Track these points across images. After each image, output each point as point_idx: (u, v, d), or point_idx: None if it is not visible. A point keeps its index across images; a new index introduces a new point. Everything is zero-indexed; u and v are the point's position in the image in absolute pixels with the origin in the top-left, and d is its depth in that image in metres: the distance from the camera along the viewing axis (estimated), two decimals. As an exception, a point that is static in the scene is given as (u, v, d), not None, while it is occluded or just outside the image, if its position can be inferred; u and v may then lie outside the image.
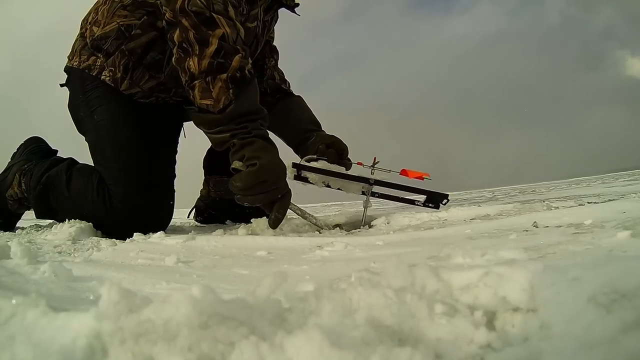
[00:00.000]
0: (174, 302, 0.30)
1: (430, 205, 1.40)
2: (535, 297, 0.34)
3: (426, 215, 1.35)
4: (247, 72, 1.14)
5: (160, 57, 1.32)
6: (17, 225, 1.58)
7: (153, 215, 1.34)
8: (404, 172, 1.38)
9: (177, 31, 1.12)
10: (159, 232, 1.22)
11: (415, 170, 1.38)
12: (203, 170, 1.82)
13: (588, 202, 1.31)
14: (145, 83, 1.36)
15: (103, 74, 1.35)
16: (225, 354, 0.29)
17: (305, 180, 1.40)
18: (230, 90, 1.11)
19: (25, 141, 1.61)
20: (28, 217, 1.59)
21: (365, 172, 1.39)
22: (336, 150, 1.48)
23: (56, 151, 1.60)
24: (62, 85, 1.49)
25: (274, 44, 1.71)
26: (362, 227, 1.35)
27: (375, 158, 1.39)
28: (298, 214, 1.34)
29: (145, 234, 1.23)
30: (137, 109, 1.38)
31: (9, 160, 1.59)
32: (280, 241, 1.06)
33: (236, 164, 1.15)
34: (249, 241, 1.08)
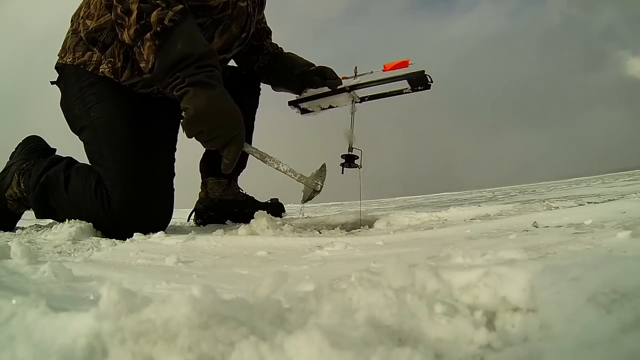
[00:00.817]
0: (174, 302, 0.30)
1: (419, 88, 1.42)
2: (535, 297, 0.34)
3: (426, 215, 1.35)
4: (167, 21, 1.12)
5: None
6: (17, 225, 1.58)
7: (152, 216, 1.33)
8: (385, 68, 1.42)
9: (112, 11, 1.16)
10: (159, 232, 1.22)
11: (396, 61, 1.41)
12: (200, 174, 1.82)
13: (588, 202, 1.31)
14: None
15: (101, 67, 1.34)
16: (225, 354, 0.29)
17: (308, 111, 1.57)
18: (156, 47, 1.13)
19: (23, 140, 1.60)
20: (28, 217, 1.59)
21: (351, 83, 1.47)
22: (321, 76, 1.57)
23: (54, 150, 1.59)
24: (52, 83, 1.48)
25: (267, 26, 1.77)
26: (351, 130, 1.42)
27: (356, 67, 1.47)
28: (257, 157, 1.31)
29: (145, 234, 1.22)
30: (135, 106, 1.37)
31: (8, 159, 1.58)
32: (280, 241, 1.06)
33: (183, 114, 1.18)
34: (249, 241, 1.09)
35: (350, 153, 1.40)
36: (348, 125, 1.45)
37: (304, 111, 1.58)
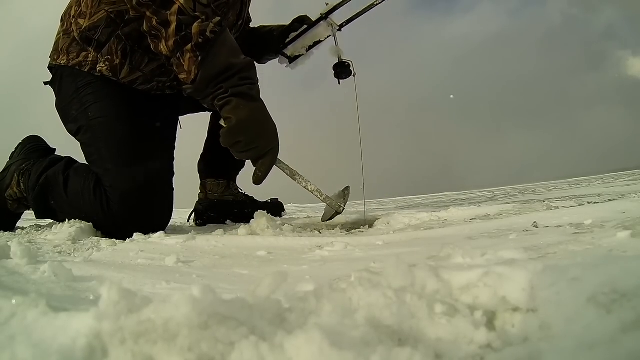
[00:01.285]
0: (174, 302, 0.30)
1: None
2: (535, 297, 0.34)
3: (426, 215, 1.35)
4: (209, 33, 1.13)
5: None
6: (17, 225, 1.58)
7: (152, 216, 1.33)
8: None
9: (144, 22, 1.16)
10: (159, 232, 1.22)
11: None
12: (199, 174, 1.82)
13: (588, 202, 1.31)
14: (147, 66, 1.35)
15: (98, 66, 1.33)
16: (225, 354, 0.29)
17: (296, 58, 1.61)
18: (199, 58, 1.13)
19: (23, 140, 1.60)
20: (28, 217, 1.59)
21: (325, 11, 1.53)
22: (298, 22, 1.61)
23: (54, 150, 1.58)
24: (46, 84, 1.47)
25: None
26: (338, 53, 1.48)
27: (327, 3, 1.54)
28: (287, 174, 1.32)
29: (145, 234, 1.22)
30: (134, 105, 1.37)
31: (8, 159, 1.58)
32: (280, 241, 1.06)
33: (222, 122, 1.20)
34: (249, 241, 1.08)
35: (340, 61, 1.46)
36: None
37: (292, 60, 1.62)
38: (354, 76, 1.45)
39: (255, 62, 1.74)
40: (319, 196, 1.33)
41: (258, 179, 1.23)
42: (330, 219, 1.36)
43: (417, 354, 0.28)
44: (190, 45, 1.13)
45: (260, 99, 1.21)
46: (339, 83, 1.48)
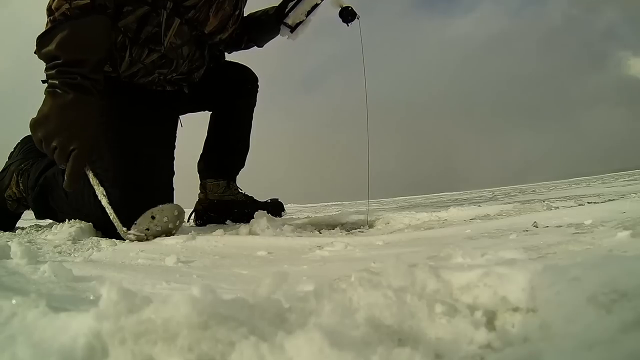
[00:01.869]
0: (174, 302, 0.30)
1: None
2: (535, 297, 0.34)
3: (426, 215, 1.35)
4: (58, 14, 1.05)
5: (157, 29, 1.29)
6: (17, 225, 1.58)
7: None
8: None
9: None
10: (158, 232, 1.22)
11: None
12: (198, 174, 1.81)
13: (588, 202, 1.31)
14: (147, 57, 1.33)
15: None
16: (225, 354, 0.29)
17: (297, 26, 1.61)
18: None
19: (21, 140, 1.59)
20: (28, 217, 1.59)
21: None
22: None
23: None
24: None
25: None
26: None
27: None
28: (92, 184, 1.15)
29: (145, 234, 1.22)
30: (133, 104, 1.36)
31: (7, 159, 1.58)
32: (280, 241, 1.06)
33: None
34: (249, 241, 1.08)
35: (343, 6, 1.48)
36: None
37: (293, 29, 1.62)
38: (358, 19, 1.47)
39: (256, 46, 1.74)
40: (108, 213, 1.15)
41: (64, 184, 1.10)
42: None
43: (417, 354, 0.28)
44: (48, 19, 1.07)
45: (76, 92, 1.07)
46: (348, 25, 1.50)
